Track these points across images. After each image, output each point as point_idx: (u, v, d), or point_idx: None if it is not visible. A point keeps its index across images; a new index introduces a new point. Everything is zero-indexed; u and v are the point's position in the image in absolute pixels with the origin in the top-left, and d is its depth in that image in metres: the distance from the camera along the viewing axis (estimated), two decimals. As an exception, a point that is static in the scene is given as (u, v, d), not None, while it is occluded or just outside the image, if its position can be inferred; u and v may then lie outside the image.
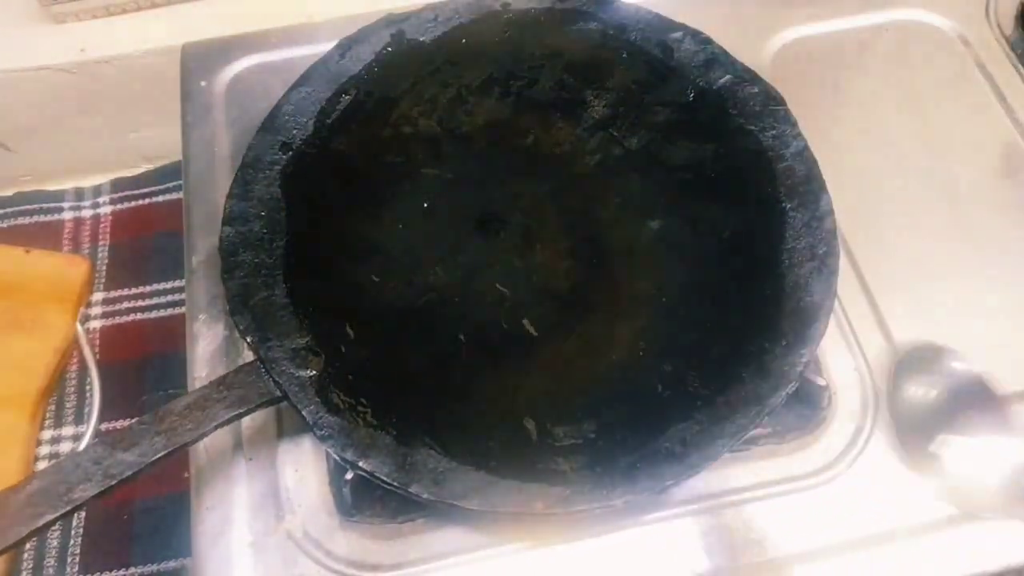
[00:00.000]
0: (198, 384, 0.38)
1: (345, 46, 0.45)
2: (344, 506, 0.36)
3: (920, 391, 0.36)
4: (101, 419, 0.51)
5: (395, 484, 0.33)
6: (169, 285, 0.56)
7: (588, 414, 0.36)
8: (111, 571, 0.48)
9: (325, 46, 0.45)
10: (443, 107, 0.44)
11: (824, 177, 0.40)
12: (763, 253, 0.39)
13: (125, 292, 0.56)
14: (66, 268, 0.54)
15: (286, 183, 0.41)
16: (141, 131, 0.60)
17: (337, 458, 0.35)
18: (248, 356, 0.38)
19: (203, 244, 0.42)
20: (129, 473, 0.32)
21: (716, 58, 0.44)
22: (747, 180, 0.41)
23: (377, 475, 0.34)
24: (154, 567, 0.47)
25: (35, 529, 0.30)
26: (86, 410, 0.52)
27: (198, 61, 0.49)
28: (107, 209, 0.60)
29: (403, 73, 0.44)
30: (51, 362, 0.51)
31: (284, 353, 0.36)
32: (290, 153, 0.42)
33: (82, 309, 0.55)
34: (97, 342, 0.54)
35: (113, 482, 0.31)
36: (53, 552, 0.48)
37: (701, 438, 0.34)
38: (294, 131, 0.42)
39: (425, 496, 0.33)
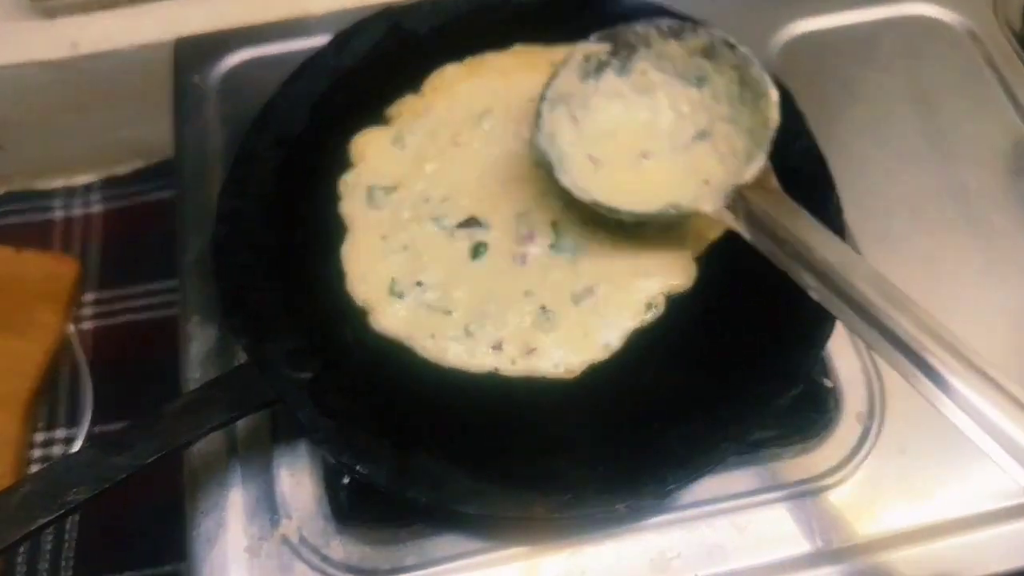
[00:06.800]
0: (192, 386, 0.38)
1: (341, 40, 0.44)
2: (341, 510, 0.35)
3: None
4: (94, 421, 0.50)
5: (393, 488, 0.33)
6: (162, 285, 0.55)
7: (590, 416, 0.35)
8: (104, 575, 0.47)
9: (321, 39, 0.45)
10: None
11: (832, 174, 0.40)
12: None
13: (117, 292, 0.55)
14: (57, 268, 0.54)
15: (281, 180, 0.40)
16: (133, 127, 0.59)
17: (334, 461, 0.34)
18: (243, 358, 0.37)
19: (196, 243, 0.42)
20: (122, 476, 0.31)
21: (721, 52, 0.43)
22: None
23: (375, 479, 0.33)
24: (148, 571, 0.47)
25: (28, 532, 0.30)
26: (78, 412, 0.51)
27: (191, 56, 0.48)
28: (98, 208, 0.59)
29: (400, 66, 0.43)
30: (42, 363, 0.51)
31: (279, 355, 0.35)
32: (285, 149, 0.41)
33: (74, 309, 0.54)
34: (89, 343, 0.54)
35: (106, 485, 0.31)
36: (46, 556, 0.48)
37: (705, 440, 0.34)
38: (289, 126, 0.42)
39: (423, 500, 0.33)
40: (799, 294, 0.37)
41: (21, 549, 0.47)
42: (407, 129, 0.41)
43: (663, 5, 0.45)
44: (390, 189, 0.40)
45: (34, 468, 0.49)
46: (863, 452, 0.37)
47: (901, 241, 0.42)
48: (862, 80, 0.47)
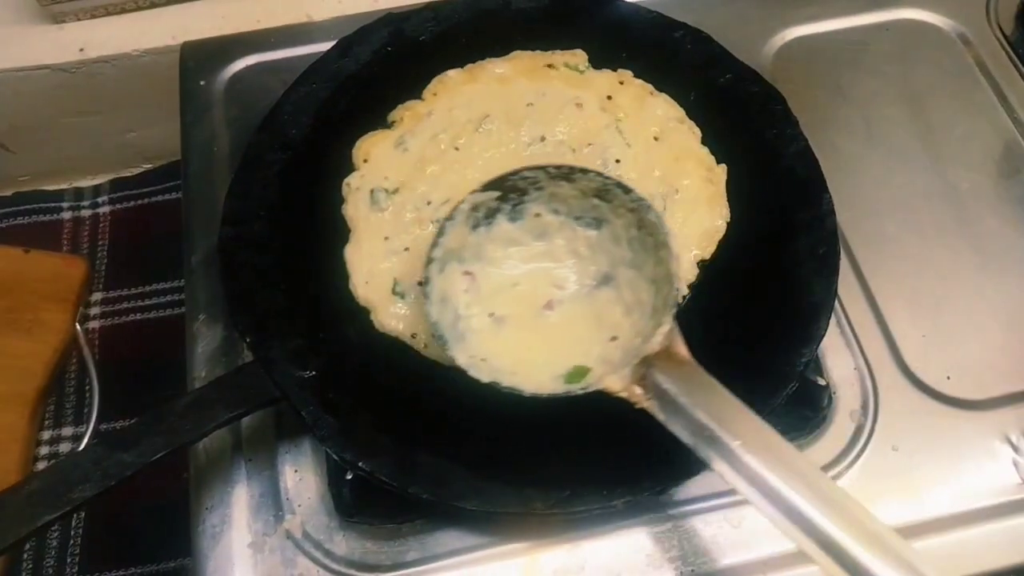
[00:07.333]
0: (197, 384, 0.38)
1: (344, 45, 0.45)
2: (344, 507, 0.36)
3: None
4: (100, 419, 0.51)
5: (395, 484, 0.33)
6: (168, 285, 0.56)
7: (589, 413, 0.35)
8: (110, 571, 0.48)
9: (324, 45, 0.45)
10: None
11: (825, 176, 0.40)
12: (764, 253, 0.39)
13: (124, 292, 0.56)
14: (65, 268, 0.55)
15: (285, 183, 0.41)
16: (140, 131, 0.60)
17: (336, 458, 0.35)
18: (248, 356, 0.38)
19: (202, 244, 0.42)
20: (128, 473, 0.32)
21: (717, 57, 0.44)
22: (748, 180, 0.41)
23: (377, 475, 0.34)
24: (153, 567, 0.47)
25: (34, 529, 0.30)
26: (85, 410, 0.52)
27: (197, 60, 0.49)
28: (106, 209, 0.60)
29: (402, 72, 0.44)
30: (50, 362, 0.51)
31: (284, 354, 0.36)
32: (289, 152, 0.42)
33: (81, 309, 0.55)
34: (96, 342, 0.54)
35: (112, 482, 0.31)
36: (52, 552, 0.48)
37: (702, 438, 0.34)
38: (293, 130, 0.42)
39: (425, 497, 0.33)
40: (793, 294, 0.38)
41: (27, 545, 0.48)
42: (409, 133, 0.42)
43: (659, 12, 0.46)
44: (392, 191, 0.40)
45: (41, 465, 0.50)
46: (856, 449, 0.37)
47: (893, 242, 0.43)
48: (855, 83, 0.48)
